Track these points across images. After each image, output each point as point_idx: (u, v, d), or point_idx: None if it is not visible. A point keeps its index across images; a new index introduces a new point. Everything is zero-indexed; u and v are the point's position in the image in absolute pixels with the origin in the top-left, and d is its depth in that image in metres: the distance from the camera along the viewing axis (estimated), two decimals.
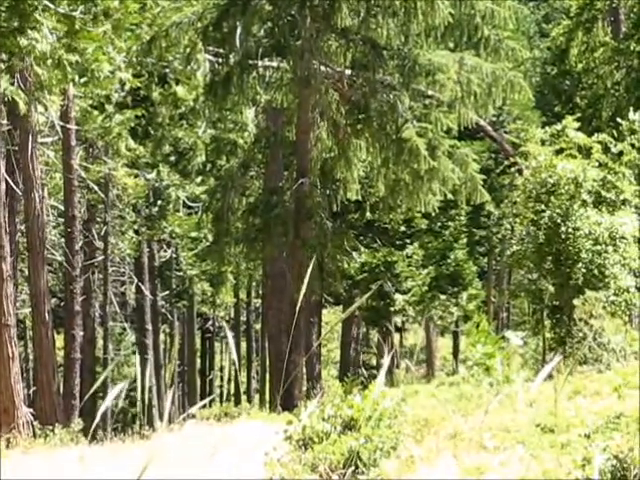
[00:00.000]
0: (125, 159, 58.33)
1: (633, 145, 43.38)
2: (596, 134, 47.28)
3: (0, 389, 41.53)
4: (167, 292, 63.43)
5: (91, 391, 46.38)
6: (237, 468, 23.99)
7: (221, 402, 45.26)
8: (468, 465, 23.79)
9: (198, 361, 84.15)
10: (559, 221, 44.69)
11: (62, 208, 50.08)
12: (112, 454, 29.08)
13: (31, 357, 50.81)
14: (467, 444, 25.40)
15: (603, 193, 45.97)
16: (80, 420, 44.70)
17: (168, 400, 51.18)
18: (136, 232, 59.48)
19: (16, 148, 50.03)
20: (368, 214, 53.55)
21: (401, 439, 24.02)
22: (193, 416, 39.44)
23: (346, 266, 47.38)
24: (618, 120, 44.39)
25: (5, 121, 47.14)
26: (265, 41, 54.98)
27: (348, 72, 54.79)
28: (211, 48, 55.78)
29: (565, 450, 22.46)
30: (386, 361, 22.51)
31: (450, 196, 56.47)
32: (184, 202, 59.18)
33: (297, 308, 46.42)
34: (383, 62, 52.76)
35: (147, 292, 61.30)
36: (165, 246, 67.38)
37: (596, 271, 42.91)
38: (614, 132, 43.36)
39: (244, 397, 58.11)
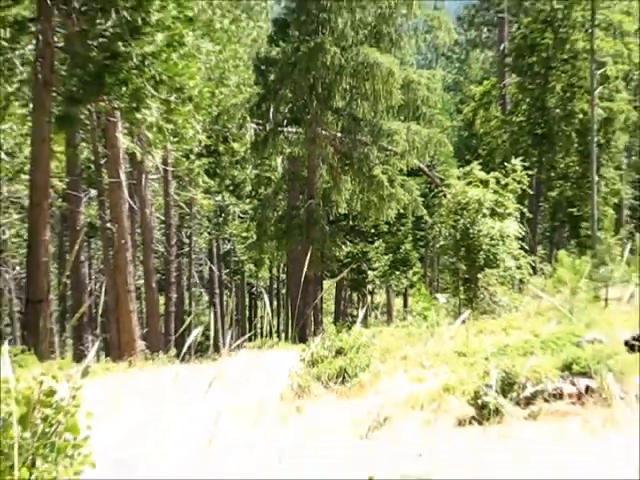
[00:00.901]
0: (202, 188, 64.35)
1: (514, 179, 47.96)
2: (491, 172, 48.48)
3: (125, 330, 44.40)
4: (227, 270, 68.48)
5: (180, 331, 49.07)
6: (271, 377, 26.45)
7: (261, 338, 48.13)
8: (413, 376, 26.09)
9: (247, 312, 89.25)
10: (468, 226, 46.22)
11: (163, 218, 55.07)
12: (194, 371, 29.41)
13: (144, 310, 53.19)
14: (413, 364, 27.67)
15: (496, 209, 48.35)
16: (174, 349, 47.42)
17: (228, 337, 53.66)
18: (209, 233, 64.76)
19: (134, 181, 52.94)
20: (351, 222, 59.08)
21: (372, 360, 26.73)
22: (244, 346, 37.94)
23: (337, 254, 51.65)
24: (505, 164, 48.80)
25: (128, 165, 49.99)
26: (288, 115, 60.51)
27: (339, 134, 60.02)
28: (255, 120, 60.26)
29: (473, 367, 23.96)
30: (362, 313, 28.75)
31: (402, 211, 60.10)
32: (238, 215, 64.14)
33: (307, 280, 51.43)
34: (360, 128, 58.44)
35: (215, 270, 67.18)
36: (226, 242, 72.55)
37: (491, 257, 45.53)
38: (503, 171, 47.55)
39: (275, 335, 60.40)
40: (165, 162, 50.79)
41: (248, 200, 53.50)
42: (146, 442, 17.80)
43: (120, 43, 39.41)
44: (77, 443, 11.58)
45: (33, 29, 41.85)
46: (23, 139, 44.24)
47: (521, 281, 38.08)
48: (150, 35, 39.75)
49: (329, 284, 50.40)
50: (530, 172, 48.44)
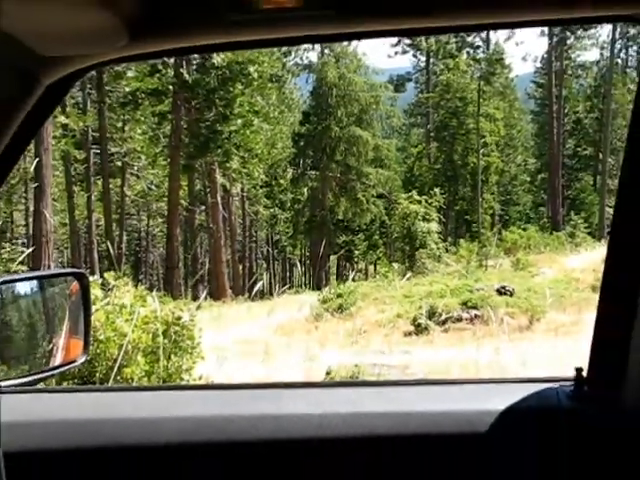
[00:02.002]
0: (262, 205, 56.73)
1: (436, 200, 47.84)
2: (423, 196, 48.71)
3: (220, 284, 41.59)
4: (277, 249, 66.13)
5: (250, 283, 48.24)
6: (300, 307, 25.45)
7: (295, 287, 47.83)
8: (380, 309, 24.36)
9: (288, 273, 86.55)
10: (410, 225, 46.67)
11: (241, 221, 54.49)
12: (259, 305, 29.35)
13: (231, 272, 52.05)
14: (379, 302, 25.62)
15: (425, 216, 48.50)
16: (247, 294, 44.47)
17: (277, 287, 52.77)
18: (267, 229, 62.79)
19: (225, 201, 49.08)
20: (345, 223, 53.12)
21: (358, 300, 25.37)
22: (285, 292, 37.11)
23: (337, 241, 51.43)
24: (431, 191, 48.89)
25: (221, 191, 46.03)
26: (310, 164, 54.73)
27: (338, 175, 52.84)
28: (291, 167, 55.99)
29: (413, 304, 22.67)
30: (351, 275, 27.52)
31: (373, 217, 53.70)
32: (282, 219, 62.51)
33: (321, 255, 51.05)
34: (350, 172, 51.88)
35: (270, 250, 64.97)
36: (276, 234, 70.09)
37: (423, 242, 43.87)
38: (429, 195, 47.67)
39: (303, 286, 58.62)
40: (242, 190, 50.61)
41: (288, 211, 53.03)
42: (232, 342, 18.10)
43: (217, 125, 39.99)
44: (193, 346, 11.79)
45: (170, 117, 42.21)
46: (164, 177, 44.29)
47: (439, 256, 37.59)
48: (234, 120, 40.15)
49: (333, 258, 50.14)
50: (444, 196, 47.96)
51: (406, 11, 1.71)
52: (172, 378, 10.65)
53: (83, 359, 2.62)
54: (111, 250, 33.72)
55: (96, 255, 39.29)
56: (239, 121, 40.59)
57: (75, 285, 2.69)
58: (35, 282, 2.71)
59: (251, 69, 39.49)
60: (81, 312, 2.64)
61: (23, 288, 2.60)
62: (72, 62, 1.90)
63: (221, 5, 1.69)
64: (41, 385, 2.72)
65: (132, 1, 1.68)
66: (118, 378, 9.63)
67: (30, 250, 19.86)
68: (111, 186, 43.23)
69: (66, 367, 2.62)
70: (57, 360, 2.59)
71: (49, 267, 24.41)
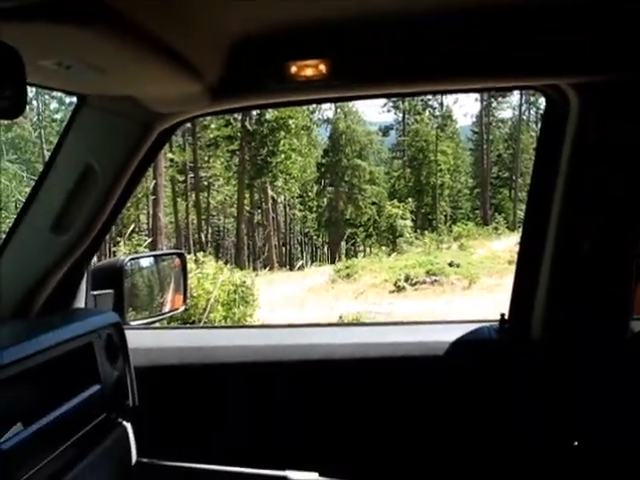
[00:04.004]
0: (297, 209, 54.45)
1: (408, 207, 48.38)
2: (402, 204, 49.56)
3: (269, 254, 39.59)
4: (306, 237, 62.86)
5: (289, 261, 48.56)
6: (321, 276, 24.36)
7: (319, 262, 47.00)
8: (375, 276, 22.91)
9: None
10: (392, 222, 47.51)
11: (283, 219, 54.15)
12: (298, 274, 28.42)
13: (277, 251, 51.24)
14: (372, 272, 23.94)
15: (402, 216, 50.26)
16: (288, 267, 40.93)
17: (309, 263, 51.63)
18: (303, 223, 60.46)
19: (273, 206, 49.27)
20: (351, 220, 50.28)
21: (359, 270, 23.47)
22: (312, 265, 37.27)
23: (345, 232, 51.05)
24: (404, 201, 49.14)
25: (271, 200, 45.27)
26: (328, 182, 53.35)
27: (347, 190, 52.21)
28: (317, 186, 53.95)
29: (395, 272, 21.46)
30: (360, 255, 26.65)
31: (368, 217, 54.79)
32: (311, 218, 60.45)
33: (336, 241, 51.18)
34: (354, 188, 50.07)
35: (303, 238, 62.34)
36: (307, 227, 67.00)
37: (401, 233, 45.38)
38: (404, 203, 48.23)
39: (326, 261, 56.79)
40: (285, 199, 50.32)
41: (314, 213, 52.75)
42: (278, 297, 18.06)
43: (268, 158, 40.10)
44: (253, 300, 11.77)
45: (238, 153, 42.32)
46: (234, 192, 44.05)
47: (411, 242, 37.23)
48: (279, 155, 40.16)
49: (343, 243, 50.01)
50: (414, 203, 47.84)
51: (404, 80, 1.76)
52: (240, 320, 10.71)
53: (183, 307, 2.68)
54: (203, 238, 33.68)
55: (191, 242, 39.44)
56: (282, 155, 40.83)
57: (177, 261, 2.72)
58: (152, 259, 2.76)
59: (290, 122, 39.96)
60: (181, 277, 2.66)
61: (144, 262, 2.63)
62: (174, 116, 1.90)
63: (269, 77, 1.70)
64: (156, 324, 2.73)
65: (212, 77, 1.68)
66: (206, 320, 9.69)
67: (149, 240, 20.00)
68: (201, 197, 43.43)
69: (172, 312, 2.66)
70: (166, 308, 2.64)
71: (161, 250, 24.52)
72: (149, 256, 2.72)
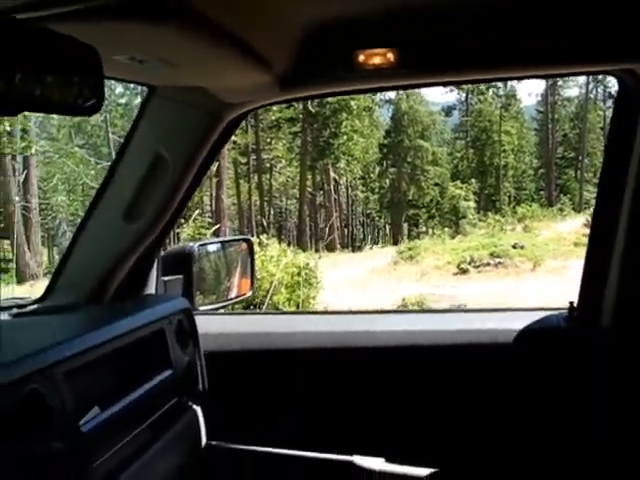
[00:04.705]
0: (359, 190, 53.24)
1: (471, 187, 48.67)
2: (465, 185, 51.45)
3: (332, 240, 38.69)
4: (369, 218, 60.76)
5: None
6: (384, 257, 24.06)
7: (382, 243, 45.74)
8: (437, 258, 22.70)
9: None
10: (456, 204, 48.65)
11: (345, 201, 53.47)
12: (357, 255, 28.64)
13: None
14: (435, 253, 23.71)
15: (464, 197, 48.37)
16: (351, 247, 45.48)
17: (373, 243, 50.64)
18: (365, 205, 60.05)
19: (335, 188, 50.50)
20: (413, 202, 50.25)
21: (422, 252, 22.70)
22: (374, 247, 37.21)
23: (407, 213, 50.81)
24: (468, 182, 49.29)
25: (333, 182, 45.77)
26: (390, 163, 51.95)
27: (409, 171, 50.52)
28: (378, 165, 53.30)
29: (458, 255, 20.84)
30: (417, 235, 25.89)
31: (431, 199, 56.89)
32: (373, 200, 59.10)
33: (398, 223, 51.83)
34: (418, 170, 53.95)
35: (365, 218, 60.52)
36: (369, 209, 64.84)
37: (463, 216, 45.27)
38: (468, 184, 48.41)
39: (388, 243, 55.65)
40: (347, 180, 50.06)
41: (377, 194, 52.32)
42: (341, 279, 18.07)
43: (330, 140, 40.16)
44: (317, 282, 11.82)
45: (300, 135, 42.42)
46: (297, 173, 44.27)
47: (474, 224, 36.98)
48: (341, 137, 40.16)
49: (405, 225, 49.63)
50: (477, 184, 47.24)
51: (473, 67, 1.74)
52: (303, 303, 10.76)
53: (250, 293, 2.70)
54: (264, 221, 33.85)
55: (254, 223, 39.63)
56: (345, 137, 40.84)
57: (244, 245, 2.74)
58: (219, 244, 2.78)
59: (352, 103, 39.86)
60: (248, 262, 2.69)
61: (212, 248, 2.66)
62: (243, 106, 1.93)
63: (337, 66, 1.71)
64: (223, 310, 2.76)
65: (281, 67, 1.70)
66: (269, 302, 9.77)
67: (214, 226, 20.09)
68: (263, 179, 43.62)
69: (239, 298, 2.68)
70: (233, 293, 2.67)
71: (225, 232, 24.70)
72: (217, 242, 2.75)
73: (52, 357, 1.40)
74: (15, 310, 1.96)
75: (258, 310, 9.17)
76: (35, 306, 2.01)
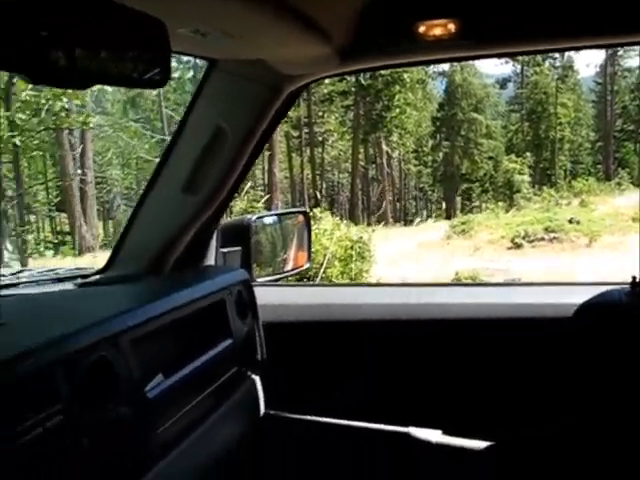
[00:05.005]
0: (412, 164, 51.75)
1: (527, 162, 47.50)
2: (519, 158, 49.26)
3: (384, 209, 43.04)
4: (422, 192, 59.64)
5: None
6: (436, 231, 24.06)
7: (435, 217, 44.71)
8: (490, 232, 22.47)
9: None
10: (510, 176, 47.26)
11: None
12: (409, 229, 28.59)
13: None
14: (488, 228, 23.58)
15: (520, 171, 49.26)
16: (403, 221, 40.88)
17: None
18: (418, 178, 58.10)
19: (387, 161, 50.76)
20: (466, 175, 49.74)
21: (475, 226, 22.81)
22: (427, 221, 37.04)
23: (460, 186, 50.99)
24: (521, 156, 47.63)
25: (385, 156, 45.05)
26: (444, 136, 51.11)
27: (463, 144, 49.70)
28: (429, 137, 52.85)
29: (512, 229, 20.87)
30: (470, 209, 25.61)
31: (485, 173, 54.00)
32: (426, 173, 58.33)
33: (451, 197, 51.49)
34: (472, 142, 54.20)
35: (418, 193, 61.82)
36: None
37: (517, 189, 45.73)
38: (522, 158, 47.54)
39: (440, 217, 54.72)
40: (399, 154, 49.63)
41: (429, 168, 51.83)
42: (393, 252, 18.02)
43: (383, 113, 40.03)
44: (370, 255, 11.78)
45: (352, 108, 42.31)
46: (349, 147, 44.24)
47: (529, 198, 36.59)
48: (394, 110, 39.92)
49: (458, 199, 49.14)
50: (532, 158, 46.54)
51: (536, 38, 1.71)
52: (356, 277, 10.78)
53: (307, 265, 2.71)
54: (318, 195, 33.91)
55: (306, 197, 39.68)
56: (397, 110, 40.63)
57: (300, 218, 2.75)
58: (276, 217, 2.80)
59: (405, 76, 39.58)
60: (304, 235, 2.71)
61: (269, 221, 2.68)
62: (302, 78, 1.94)
63: (397, 38, 1.70)
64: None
65: (341, 39, 1.69)
66: (323, 275, 9.82)
67: (266, 196, 20.15)
68: (315, 153, 43.64)
69: (296, 270, 2.69)
70: (289, 265, 2.68)
71: (277, 206, 24.82)
72: (274, 214, 2.79)
73: (118, 325, 1.44)
74: (79, 280, 2.01)
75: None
76: (98, 277, 2.06)
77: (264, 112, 1.93)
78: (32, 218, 30.56)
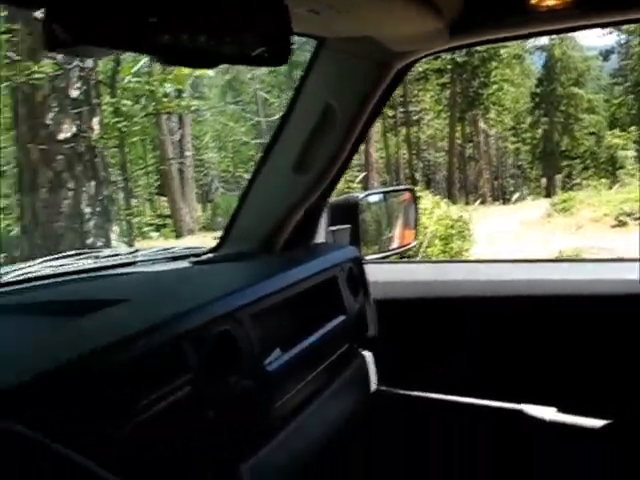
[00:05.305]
0: (484, 134, 49.72)
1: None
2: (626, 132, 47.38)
3: (482, 188, 42.94)
4: (519, 171, 57.86)
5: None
6: (536, 209, 23.61)
7: (534, 195, 43.13)
8: (593, 210, 21.75)
9: None
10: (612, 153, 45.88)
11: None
12: (507, 207, 28.51)
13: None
14: (591, 205, 22.66)
15: (621, 147, 47.70)
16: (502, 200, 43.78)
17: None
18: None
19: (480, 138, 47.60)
20: (566, 152, 47.72)
21: (576, 204, 22.14)
22: (525, 198, 39.99)
23: (561, 164, 49.19)
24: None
25: (483, 135, 48.12)
26: (537, 105, 49.23)
27: (561, 120, 52.20)
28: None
29: (616, 207, 20.33)
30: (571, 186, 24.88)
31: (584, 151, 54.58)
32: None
33: (549, 174, 49.67)
34: (572, 117, 53.44)
35: (516, 171, 57.07)
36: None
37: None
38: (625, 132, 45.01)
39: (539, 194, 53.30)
40: (497, 132, 48.90)
41: (528, 145, 50.76)
42: (493, 232, 17.75)
43: (479, 90, 39.55)
44: (470, 234, 11.68)
45: (448, 86, 41.89)
46: (445, 125, 43.73)
47: (633, 174, 35.47)
48: (490, 86, 39.36)
49: (558, 176, 47.91)
50: (638, 132, 44.95)
51: None
52: (457, 255, 10.74)
53: (414, 243, 2.70)
54: (415, 174, 33.76)
55: (402, 177, 39.61)
56: (494, 86, 40.12)
57: (406, 196, 2.75)
58: (381, 195, 2.80)
59: (502, 51, 39.08)
60: (411, 213, 2.71)
61: (376, 198, 2.69)
62: (411, 54, 1.93)
63: (509, 10, 1.67)
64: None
65: (450, 13, 1.67)
66: (423, 254, 9.82)
67: (362, 175, 20.21)
68: (411, 132, 43.43)
69: (402, 248, 2.71)
70: (396, 243, 2.69)
71: (373, 186, 24.79)
72: (380, 192, 2.78)
73: (239, 300, 1.49)
74: (192, 259, 2.08)
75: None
76: (211, 255, 2.12)
77: (372, 90, 1.93)
78: (133, 202, 31.36)
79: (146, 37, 0.94)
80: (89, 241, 6.85)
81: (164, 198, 28.94)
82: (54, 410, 0.96)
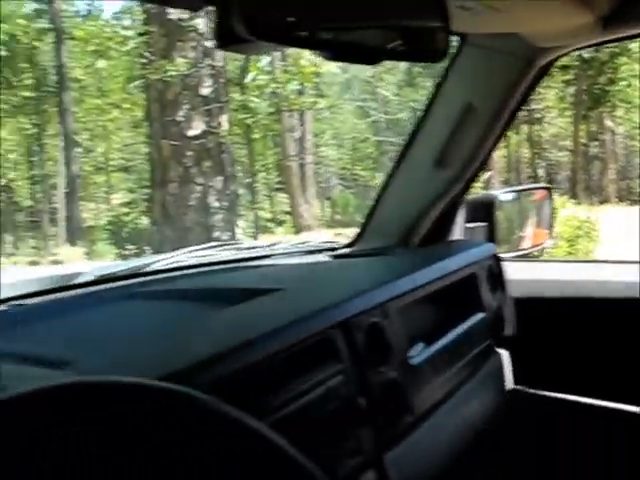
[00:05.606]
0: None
1: None
2: None
3: (608, 183, 40.00)
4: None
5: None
6: None
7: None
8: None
9: None
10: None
11: None
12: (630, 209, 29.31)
13: None
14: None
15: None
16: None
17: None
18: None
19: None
20: None
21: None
22: None
23: None
24: None
25: (610, 133, 45.32)
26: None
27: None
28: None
29: None
30: None
31: None
32: None
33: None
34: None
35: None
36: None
37: None
38: None
39: None
40: (625, 130, 47.22)
41: None
42: (619, 232, 17.12)
43: (606, 87, 38.25)
44: (597, 235, 11.36)
45: (573, 83, 40.68)
46: (570, 123, 42.48)
47: None
48: (618, 83, 37.97)
49: None
50: None
51: None
52: (583, 256, 10.46)
53: (549, 243, 2.66)
54: (538, 173, 32.83)
55: (523, 176, 38.74)
56: (623, 83, 38.78)
57: (541, 194, 2.72)
58: (516, 193, 2.78)
59: (631, 45, 37.69)
60: (545, 211, 2.68)
61: (511, 196, 2.66)
62: (557, 50, 1.91)
63: None
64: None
65: (603, 5, 1.62)
66: (547, 256, 9.60)
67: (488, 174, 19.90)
68: (532, 130, 42.51)
69: (536, 248, 2.65)
70: (529, 242, 2.63)
71: (494, 186, 24.29)
72: (514, 190, 2.75)
73: (387, 294, 1.51)
74: (330, 252, 2.12)
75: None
76: (349, 249, 2.15)
77: (515, 86, 1.93)
78: (254, 198, 31.95)
79: (314, 33, 0.97)
80: (215, 234, 7.05)
81: (281, 194, 29.16)
82: (231, 385, 1.02)
